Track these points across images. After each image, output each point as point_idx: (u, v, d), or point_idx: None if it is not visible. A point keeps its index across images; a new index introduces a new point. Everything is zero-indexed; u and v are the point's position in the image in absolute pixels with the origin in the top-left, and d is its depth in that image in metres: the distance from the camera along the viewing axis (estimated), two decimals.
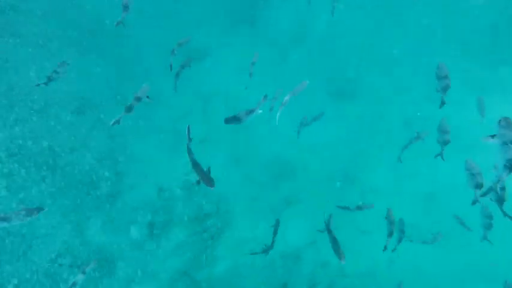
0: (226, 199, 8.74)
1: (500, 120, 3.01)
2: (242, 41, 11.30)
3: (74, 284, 5.05)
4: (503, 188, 4.03)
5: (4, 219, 4.20)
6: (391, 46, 11.16)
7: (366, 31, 11.47)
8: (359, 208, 6.28)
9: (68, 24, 10.53)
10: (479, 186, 4.30)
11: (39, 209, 4.50)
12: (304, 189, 10.02)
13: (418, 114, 10.39)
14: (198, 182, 4.31)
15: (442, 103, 5.15)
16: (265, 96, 4.87)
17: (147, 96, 5.32)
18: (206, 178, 4.28)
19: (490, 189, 3.03)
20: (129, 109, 5.09)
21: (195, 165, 4.33)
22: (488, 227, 5.29)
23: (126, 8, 4.55)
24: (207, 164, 4.48)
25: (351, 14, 11.29)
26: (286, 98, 5.24)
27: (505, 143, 2.85)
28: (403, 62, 11.32)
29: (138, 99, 5.18)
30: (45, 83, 5.79)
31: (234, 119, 4.68)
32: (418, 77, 11.13)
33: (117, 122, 5.01)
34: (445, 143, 5.28)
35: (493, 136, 2.96)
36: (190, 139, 4.59)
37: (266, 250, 6.37)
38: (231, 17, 11.45)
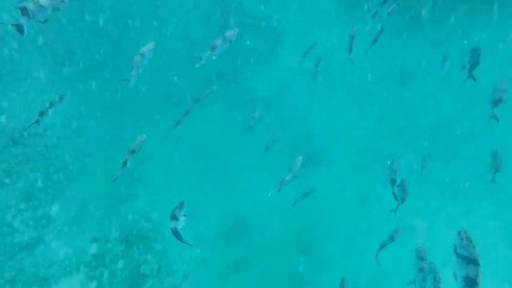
0: (170, 258, 7.90)
1: (459, 232, 2.94)
2: (217, 94, 11.65)
3: None
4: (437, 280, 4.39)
5: None
6: (352, 127, 12.21)
7: (333, 108, 12.54)
8: None
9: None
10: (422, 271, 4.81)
11: None
12: (257, 253, 9.57)
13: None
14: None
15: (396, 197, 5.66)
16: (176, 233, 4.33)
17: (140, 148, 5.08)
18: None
19: None
20: (124, 164, 4.95)
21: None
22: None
23: (136, 66, 4.63)
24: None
25: (321, 90, 12.43)
26: (287, 177, 5.33)
27: (461, 258, 2.89)
28: (359, 142, 12.34)
29: (132, 152, 4.92)
30: (37, 121, 5.59)
31: (173, 217, 4.32)
32: (373, 157, 12.09)
33: (116, 179, 5.03)
34: (402, 200, 5.58)
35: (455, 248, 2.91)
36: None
37: None
38: (209, 71, 11.95)
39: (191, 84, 11.48)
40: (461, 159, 11.45)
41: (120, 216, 7.87)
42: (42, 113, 5.56)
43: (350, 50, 6.53)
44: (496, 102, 5.23)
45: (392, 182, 5.74)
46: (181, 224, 4.32)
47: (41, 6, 3.48)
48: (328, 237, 10.39)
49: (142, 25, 12.24)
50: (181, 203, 4.41)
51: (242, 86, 11.85)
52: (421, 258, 5.00)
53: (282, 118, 12.06)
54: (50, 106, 5.58)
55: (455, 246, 2.97)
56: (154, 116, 10.48)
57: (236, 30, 5.01)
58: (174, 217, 4.29)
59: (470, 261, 2.81)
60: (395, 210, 5.86)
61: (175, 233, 4.20)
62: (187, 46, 11.88)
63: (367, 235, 10.57)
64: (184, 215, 4.36)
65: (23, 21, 3.44)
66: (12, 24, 3.38)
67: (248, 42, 11.96)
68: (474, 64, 5.58)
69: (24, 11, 3.35)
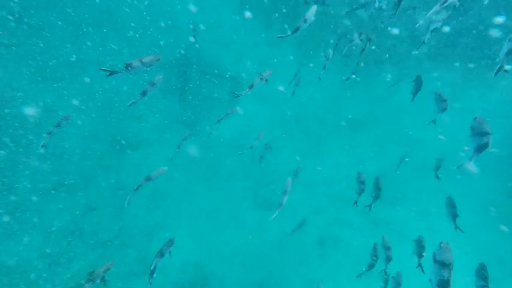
0: None
1: (440, 242, 3.35)
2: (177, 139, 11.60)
3: None
4: None
5: None
6: (310, 171, 12.82)
7: (291, 152, 13.12)
8: None
9: None
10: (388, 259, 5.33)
11: None
12: None
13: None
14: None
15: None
16: None
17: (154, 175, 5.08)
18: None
19: None
20: (137, 188, 4.94)
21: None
22: None
23: (144, 93, 4.78)
24: None
25: (280, 135, 13.00)
26: (283, 201, 5.43)
27: (438, 263, 3.24)
28: (319, 183, 12.90)
29: (148, 179, 5.01)
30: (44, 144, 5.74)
31: (159, 254, 4.56)
32: (331, 199, 12.64)
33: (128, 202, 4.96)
34: (377, 197, 6.01)
35: None
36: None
37: None
38: (172, 117, 11.96)
39: (151, 129, 11.32)
40: (404, 202, 12.50)
41: (58, 278, 6.93)
42: (50, 133, 5.72)
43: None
44: (440, 109, 5.85)
45: (360, 192, 6.03)
46: (164, 260, 4.49)
47: (143, 63, 4.28)
48: (290, 285, 10.24)
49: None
50: (171, 240, 4.58)
51: (203, 131, 11.98)
52: (386, 248, 5.47)
53: (243, 163, 12.26)
54: (57, 126, 5.73)
55: (434, 254, 3.36)
56: (105, 161, 9.97)
57: (271, 70, 5.59)
58: (160, 253, 4.45)
59: (446, 265, 3.25)
60: (370, 206, 6.10)
61: (152, 271, 4.35)
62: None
63: (328, 277, 10.65)
64: (170, 252, 4.54)
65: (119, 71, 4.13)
66: (103, 69, 3.97)
67: (208, 90, 12.40)
68: (417, 90, 6.57)
69: (129, 65, 4.12)
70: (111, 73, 3.99)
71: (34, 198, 8.70)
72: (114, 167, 9.95)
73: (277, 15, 13.54)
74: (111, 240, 8.69)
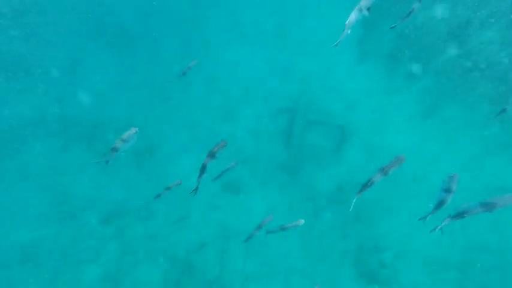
0: None
1: None
2: (278, 185, 11.68)
3: None
4: None
5: None
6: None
7: (400, 219, 11.11)
8: None
9: None
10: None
11: None
12: None
13: None
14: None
15: None
16: None
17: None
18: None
19: None
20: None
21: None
22: None
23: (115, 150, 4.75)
24: None
25: (391, 196, 11.32)
26: None
27: None
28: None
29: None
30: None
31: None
32: None
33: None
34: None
35: None
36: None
37: None
38: (273, 162, 12.17)
39: (255, 173, 11.86)
40: None
41: None
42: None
43: None
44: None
45: None
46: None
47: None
48: None
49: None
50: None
51: (304, 179, 11.69)
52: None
53: (344, 216, 11.17)
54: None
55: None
56: (215, 200, 10.94)
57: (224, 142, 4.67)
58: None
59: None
60: None
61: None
62: (253, 137, 12.51)
63: None
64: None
65: None
66: None
67: (314, 138, 12.16)
68: None
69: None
70: None
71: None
72: (222, 207, 10.83)
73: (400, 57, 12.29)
74: (213, 281, 9.32)
